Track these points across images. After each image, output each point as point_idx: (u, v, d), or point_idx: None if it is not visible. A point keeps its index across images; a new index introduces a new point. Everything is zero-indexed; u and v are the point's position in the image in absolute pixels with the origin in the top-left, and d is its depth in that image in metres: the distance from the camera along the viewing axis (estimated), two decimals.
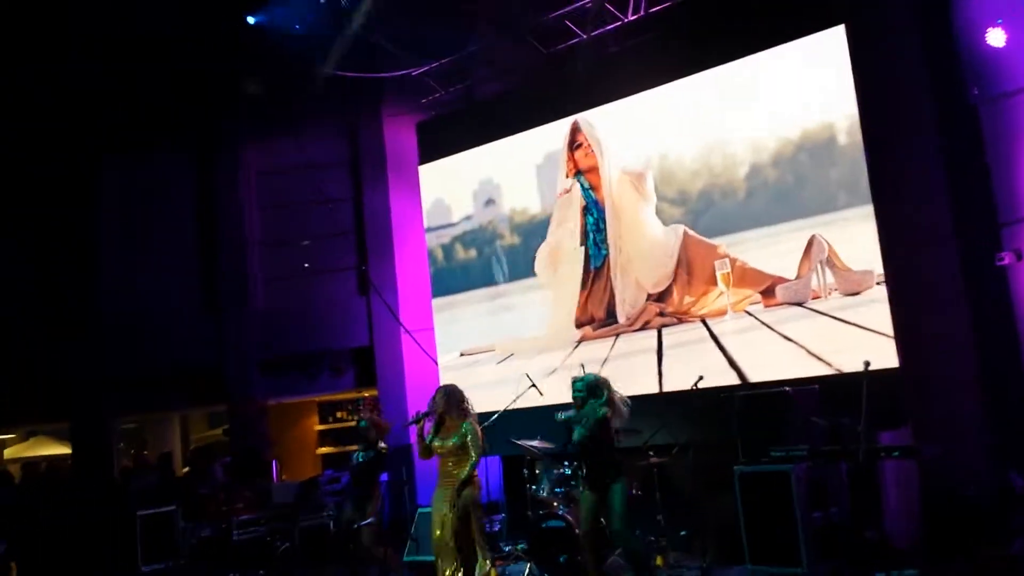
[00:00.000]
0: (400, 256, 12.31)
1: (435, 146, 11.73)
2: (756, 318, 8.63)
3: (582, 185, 10.14)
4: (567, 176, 10.27)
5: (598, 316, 9.96)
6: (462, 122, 11.54)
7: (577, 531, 7.48)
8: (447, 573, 7.39)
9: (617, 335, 9.76)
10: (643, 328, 9.54)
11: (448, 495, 7.40)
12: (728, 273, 8.84)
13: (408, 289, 12.25)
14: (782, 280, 8.51)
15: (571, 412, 7.29)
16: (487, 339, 11.08)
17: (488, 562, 7.45)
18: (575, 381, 7.19)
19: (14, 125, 12.75)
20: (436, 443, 7.55)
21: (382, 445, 8.38)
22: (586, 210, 10.12)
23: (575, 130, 10.22)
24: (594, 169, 10.07)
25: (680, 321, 9.27)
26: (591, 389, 7.06)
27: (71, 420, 13.83)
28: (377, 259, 12.48)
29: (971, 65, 8.05)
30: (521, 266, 10.89)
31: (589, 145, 10.06)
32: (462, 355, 11.23)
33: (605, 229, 9.94)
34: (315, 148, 13.05)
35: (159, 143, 13.65)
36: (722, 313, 8.92)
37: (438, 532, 7.46)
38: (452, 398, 7.64)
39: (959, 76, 8.13)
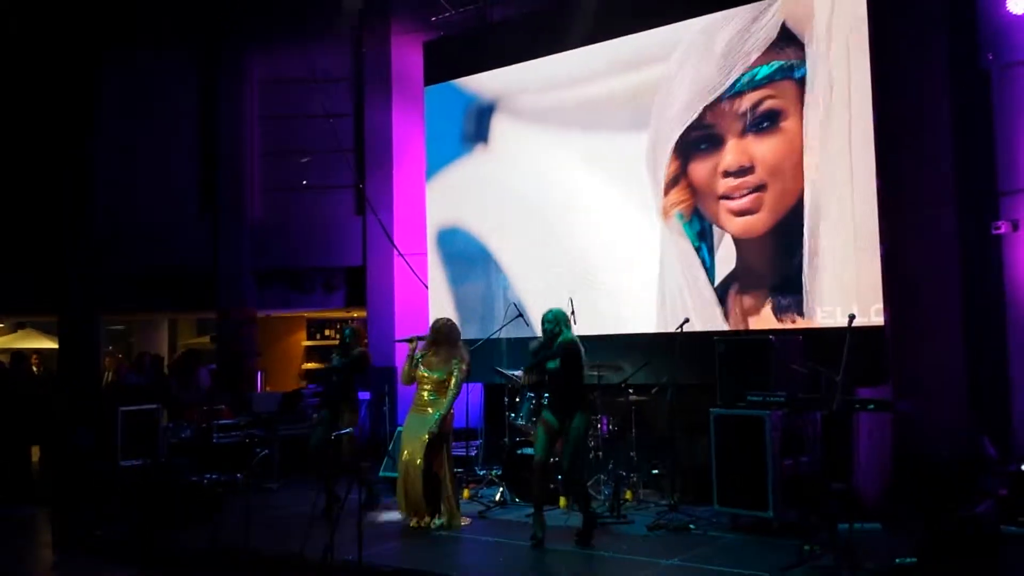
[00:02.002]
0: (399, 178, 12.25)
1: (441, 68, 11.56)
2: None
3: None
4: None
5: None
6: (471, 45, 11.31)
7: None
8: (408, 499, 7.56)
9: None
10: None
11: (423, 421, 7.56)
12: None
13: (404, 212, 12.21)
14: None
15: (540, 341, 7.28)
16: None
17: (451, 513, 7.58)
18: (545, 314, 7.20)
19: (20, 17, 12.62)
20: (422, 371, 7.68)
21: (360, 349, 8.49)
22: None
23: None
24: None
25: None
26: (560, 321, 7.09)
27: (60, 314, 13.89)
28: (375, 179, 12.40)
29: (988, 30, 7.97)
30: None
31: None
32: None
33: None
34: (320, 61, 12.86)
35: (164, 43, 13.55)
36: None
37: (406, 455, 7.61)
38: (451, 333, 7.80)
39: (975, 40, 8.06)
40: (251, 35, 13.25)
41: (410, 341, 7.91)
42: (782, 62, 8.42)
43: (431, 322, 8.45)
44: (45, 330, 17.33)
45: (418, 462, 7.49)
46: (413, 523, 7.55)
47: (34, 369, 13.08)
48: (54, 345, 15.71)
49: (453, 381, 7.64)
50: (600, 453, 8.29)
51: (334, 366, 8.46)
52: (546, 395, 7.43)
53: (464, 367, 7.74)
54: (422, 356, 7.79)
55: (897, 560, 5.76)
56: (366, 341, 8.88)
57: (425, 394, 7.71)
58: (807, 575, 5.57)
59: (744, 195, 8.57)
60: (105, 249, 13.26)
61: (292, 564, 6.48)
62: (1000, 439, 7.36)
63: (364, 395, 11.11)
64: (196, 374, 11.64)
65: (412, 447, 7.56)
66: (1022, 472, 6.78)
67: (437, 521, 7.49)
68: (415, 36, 11.94)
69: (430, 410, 7.61)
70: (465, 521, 7.68)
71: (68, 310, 13.59)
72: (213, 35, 13.33)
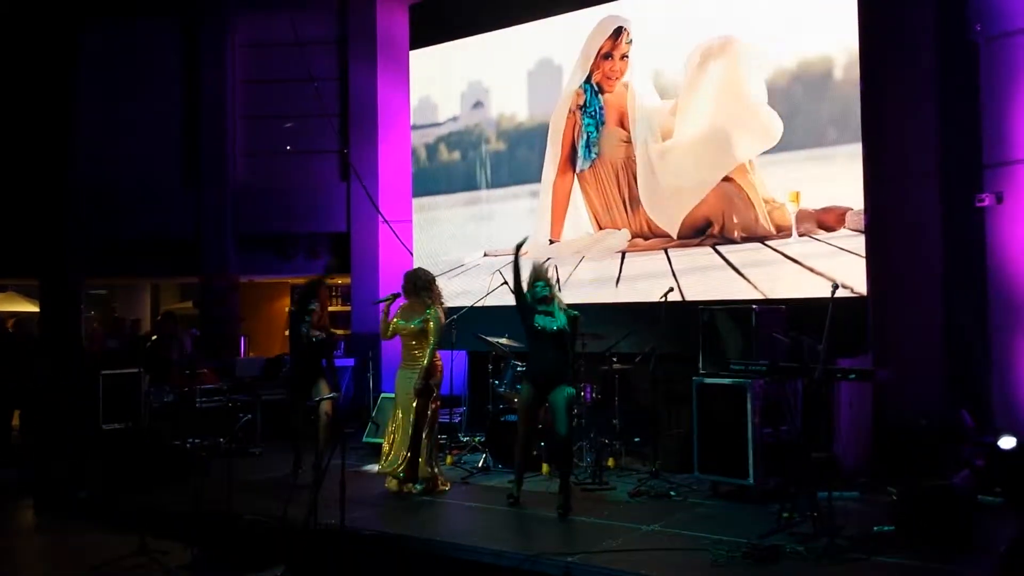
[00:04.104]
0: (384, 143, 12.18)
1: (427, 32, 11.47)
2: (826, 243, 8.06)
3: (591, 90, 9.83)
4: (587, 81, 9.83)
5: (642, 227, 9.48)
6: (456, 8, 11.25)
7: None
8: (391, 457, 7.56)
9: (666, 249, 9.23)
10: (699, 245, 8.97)
11: (411, 378, 7.50)
12: (797, 192, 8.28)
13: (389, 178, 12.16)
14: (850, 208, 7.94)
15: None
16: (468, 245, 10.93)
17: (434, 478, 7.59)
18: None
19: None
20: (400, 323, 7.62)
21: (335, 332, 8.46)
22: (584, 109, 9.83)
23: (617, 36, 9.62)
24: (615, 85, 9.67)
25: (733, 241, 8.73)
26: (552, 285, 7.12)
27: (42, 277, 13.77)
28: (360, 144, 12.34)
29: (976, 0, 7.94)
30: (503, 174, 10.79)
31: (623, 63, 9.56)
32: (486, 255, 10.83)
33: (599, 134, 9.72)
34: (305, 24, 12.66)
35: (146, 7, 13.33)
36: (785, 233, 8.36)
37: (398, 414, 7.59)
38: (420, 281, 7.70)
39: (963, 11, 8.03)
40: None
41: (385, 301, 7.81)
42: None
43: None
44: (26, 293, 17.18)
45: (404, 419, 7.49)
46: (393, 487, 7.55)
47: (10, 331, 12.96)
48: (35, 309, 15.58)
49: (432, 326, 7.50)
50: (583, 421, 8.32)
51: (312, 343, 8.40)
52: (524, 362, 7.45)
53: (440, 311, 7.63)
54: (397, 315, 7.74)
55: (875, 528, 5.84)
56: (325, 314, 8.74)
57: (412, 348, 7.62)
58: (785, 542, 5.60)
59: None
60: (87, 213, 13.12)
61: (274, 528, 6.50)
62: (978, 410, 7.42)
63: (347, 362, 11.13)
64: (178, 338, 11.59)
65: (403, 405, 7.55)
66: (998, 445, 6.85)
67: (418, 486, 7.49)
68: None
69: (421, 363, 7.51)
70: (447, 486, 7.70)
71: (50, 274, 13.46)
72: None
